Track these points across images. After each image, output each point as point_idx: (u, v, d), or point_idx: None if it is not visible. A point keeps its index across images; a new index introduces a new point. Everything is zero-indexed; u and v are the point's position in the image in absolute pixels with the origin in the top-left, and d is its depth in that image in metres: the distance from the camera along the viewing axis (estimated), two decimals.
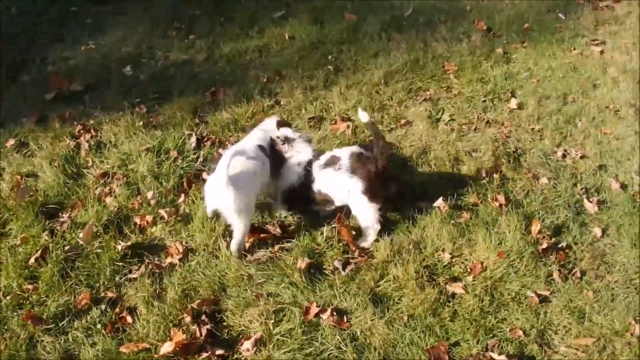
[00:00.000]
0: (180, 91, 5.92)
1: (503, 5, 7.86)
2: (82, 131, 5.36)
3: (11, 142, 5.24)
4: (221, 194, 3.85)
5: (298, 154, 4.34)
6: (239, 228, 4.03)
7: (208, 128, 5.40)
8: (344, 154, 4.21)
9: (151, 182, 4.74)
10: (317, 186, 4.26)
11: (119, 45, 6.89)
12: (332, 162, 4.20)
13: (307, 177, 4.28)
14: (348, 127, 5.32)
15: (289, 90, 5.86)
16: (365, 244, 4.25)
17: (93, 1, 8.02)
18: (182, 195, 4.64)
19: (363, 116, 4.15)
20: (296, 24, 7.09)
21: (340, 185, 4.17)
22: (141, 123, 5.39)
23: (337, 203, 4.28)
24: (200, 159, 5.00)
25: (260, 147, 4.26)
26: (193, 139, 5.18)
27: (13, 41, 6.98)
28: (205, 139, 5.23)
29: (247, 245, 4.20)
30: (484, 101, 5.81)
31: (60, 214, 4.53)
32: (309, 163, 4.28)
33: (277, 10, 7.56)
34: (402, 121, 5.48)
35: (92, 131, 5.37)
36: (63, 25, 7.48)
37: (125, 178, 4.81)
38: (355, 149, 4.28)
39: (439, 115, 5.60)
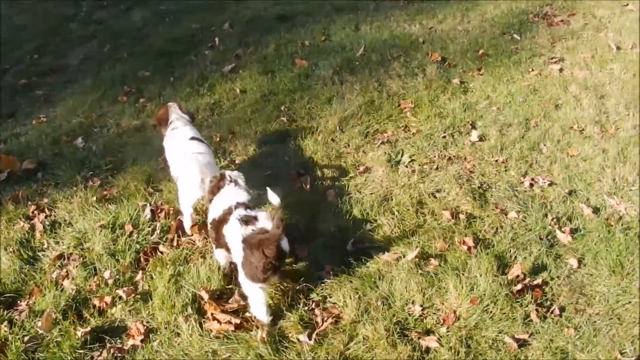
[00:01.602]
0: (134, 159, 5.73)
1: (456, 33, 7.73)
2: (36, 211, 5.14)
3: None
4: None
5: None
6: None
7: (162, 196, 5.16)
8: (261, 216, 3.95)
9: (108, 261, 4.53)
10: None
11: (70, 117, 6.72)
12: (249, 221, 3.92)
13: None
14: (305, 181, 5.14)
15: (243, 147, 5.68)
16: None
17: (42, 73, 7.83)
18: (140, 272, 4.43)
19: (274, 198, 4.07)
20: (247, 77, 6.94)
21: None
22: (94, 198, 5.16)
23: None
24: (157, 231, 4.75)
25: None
26: (147, 211, 4.94)
27: None
28: (159, 210, 4.98)
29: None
30: (444, 137, 5.63)
31: (18, 302, 4.31)
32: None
33: (227, 63, 7.44)
34: (361, 168, 5.28)
35: (47, 210, 5.15)
36: (13, 98, 7.36)
37: (81, 258, 4.60)
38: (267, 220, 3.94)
39: (399, 158, 5.40)
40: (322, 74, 6.84)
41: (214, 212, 4.18)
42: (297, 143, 5.67)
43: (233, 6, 9.49)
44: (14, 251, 4.70)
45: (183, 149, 4.72)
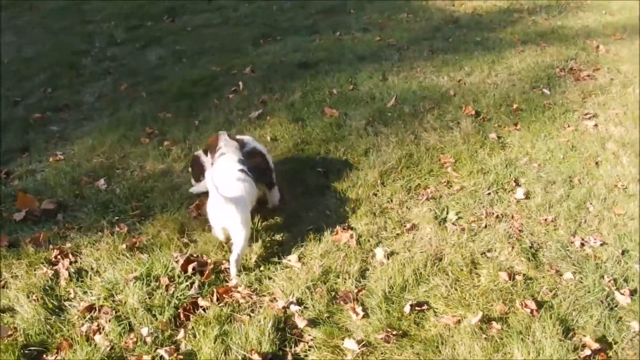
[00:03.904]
0: (162, 206, 5.42)
1: (486, 86, 7.65)
2: (59, 257, 4.81)
3: None
4: (224, 212, 4.47)
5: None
6: (239, 242, 4.50)
7: (198, 247, 4.89)
8: None
9: (144, 316, 4.19)
10: None
11: (89, 156, 6.42)
12: None
13: None
14: (351, 236, 4.91)
15: (280, 199, 5.41)
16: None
17: (57, 107, 7.62)
18: (182, 329, 4.11)
19: None
20: (276, 124, 6.76)
21: None
22: (124, 246, 4.86)
23: None
24: (195, 284, 4.47)
25: (240, 161, 4.96)
26: (182, 263, 4.65)
27: None
28: (196, 262, 4.69)
29: None
30: (489, 194, 5.47)
31: (44, 355, 3.97)
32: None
33: (253, 108, 7.26)
34: (408, 225, 5.09)
35: (71, 256, 4.82)
36: (26, 133, 7.07)
37: (114, 312, 4.26)
38: None
39: (444, 215, 5.22)
40: (354, 125, 6.68)
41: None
42: (337, 196, 5.47)
43: (251, 50, 9.40)
44: (37, 299, 4.37)
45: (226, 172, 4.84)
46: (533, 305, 4.20)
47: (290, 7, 11.67)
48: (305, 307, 4.26)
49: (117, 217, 5.33)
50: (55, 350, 3.99)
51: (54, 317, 4.24)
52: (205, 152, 5.40)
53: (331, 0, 11.99)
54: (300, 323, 4.13)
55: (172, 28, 10.97)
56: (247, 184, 4.74)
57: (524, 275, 4.53)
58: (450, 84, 7.76)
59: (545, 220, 5.13)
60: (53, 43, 10.41)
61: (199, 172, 5.43)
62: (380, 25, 10.52)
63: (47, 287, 4.50)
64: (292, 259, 4.71)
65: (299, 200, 5.42)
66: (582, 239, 4.90)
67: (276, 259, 4.72)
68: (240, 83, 7.95)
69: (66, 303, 4.38)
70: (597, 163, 5.92)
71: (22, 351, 3.95)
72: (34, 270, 4.67)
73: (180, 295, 4.37)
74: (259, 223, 5.08)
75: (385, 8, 11.48)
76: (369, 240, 4.90)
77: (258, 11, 11.65)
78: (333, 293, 4.39)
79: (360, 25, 10.50)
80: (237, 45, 9.70)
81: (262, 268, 4.63)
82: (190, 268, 4.61)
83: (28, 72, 9.02)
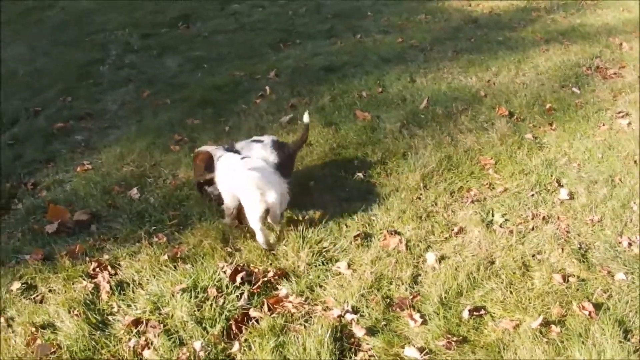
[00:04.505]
0: (200, 214, 5.31)
1: (515, 86, 7.61)
2: (97, 269, 4.68)
3: (16, 285, 4.55)
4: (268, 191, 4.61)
5: None
6: (277, 219, 4.81)
7: (242, 256, 4.80)
8: None
9: (194, 329, 4.07)
10: None
11: (119, 165, 6.31)
12: None
13: None
14: (400, 241, 4.84)
15: (322, 204, 5.35)
16: None
17: (78, 117, 7.55)
18: (236, 342, 3.99)
19: (306, 118, 5.39)
20: (310, 128, 6.66)
21: None
22: (165, 257, 4.74)
23: None
24: (245, 294, 4.36)
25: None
26: (230, 273, 4.54)
27: None
28: (242, 271, 4.60)
29: None
30: (532, 195, 5.43)
31: None
32: None
33: (283, 113, 7.20)
34: (455, 229, 5.03)
35: (110, 269, 4.70)
36: (49, 143, 6.96)
37: (162, 325, 4.12)
38: None
39: (490, 217, 5.17)
40: (388, 127, 6.62)
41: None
42: (379, 201, 5.40)
43: (271, 55, 9.32)
44: (78, 314, 4.23)
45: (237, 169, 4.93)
46: (590, 307, 4.15)
47: (305, 12, 11.59)
48: (361, 315, 4.19)
49: (154, 227, 5.22)
50: None
51: (98, 332, 4.10)
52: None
53: (346, 3, 11.89)
54: (358, 332, 4.05)
55: (187, 35, 10.90)
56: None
57: (577, 277, 4.48)
58: (479, 85, 7.72)
59: (592, 220, 5.09)
60: (65, 53, 10.32)
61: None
62: (399, 27, 10.46)
63: (88, 302, 4.36)
64: (341, 266, 4.65)
65: (342, 205, 5.35)
66: (629, 239, 4.86)
67: (325, 266, 4.66)
68: (267, 88, 7.87)
69: (110, 317, 4.25)
70: (635, 162, 5.88)
71: None
72: (73, 284, 4.54)
73: (230, 307, 4.25)
74: (305, 229, 4.99)
75: (401, 10, 11.42)
76: (418, 245, 4.84)
77: (272, 16, 11.58)
78: (388, 300, 4.33)
79: (379, 28, 10.44)
80: (255, 50, 9.63)
81: (311, 276, 4.55)
82: (238, 278, 4.50)
83: (44, 83, 8.93)
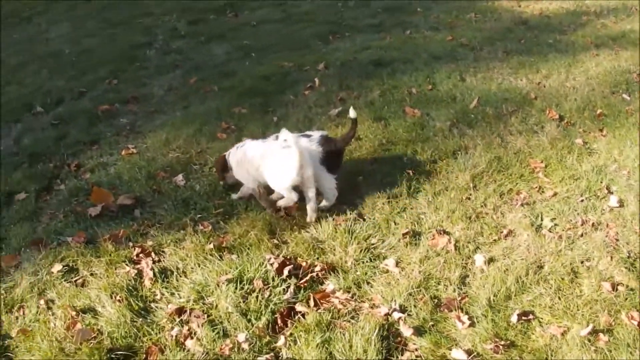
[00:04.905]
0: (246, 205, 5.35)
1: (566, 90, 7.54)
2: (141, 255, 4.71)
3: (57, 267, 4.59)
4: (302, 166, 4.87)
5: None
6: (312, 196, 5.07)
7: (289, 249, 4.82)
8: None
9: (238, 321, 4.06)
10: None
11: (164, 150, 6.39)
12: None
13: None
14: (449, 241, 4.84)
15: (371, 200, 5.36)
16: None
17: (124, 100, 7.63)
18: (281, 336, 3.99)
19: (352, 113, 5.34)
20: (359, 122, 6.65)
21: None
22: (211, 246, 4.77)
23: None
24: (291, 288, 4.37)
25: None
26: (277, 266, 4.54)
27: (40, 144, 6.60)
28: (289, 264, 4.61)
29: None
30: (582, 201, 5.38)
31: None
32: None
33: (331, 106, 7.22)
34: (504, 231, 5.01)
35: (154, 255, 4.73)
36: (94, 125, 7.08)
37: (206, 315, 4.13)
38: None
39: (540, 222, 5.13)
40: (438, 125, 6.62)
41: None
42: (429, 199, 5.40)
43: (320, 47, 9.37)
44: (121, 300, 4.25)
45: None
46: (639, 318, 4.11)
47: (354, 5, 11.59)
48: (408, 315, 4.19)
49: (199, 215, 5.25)
50: (144, 355, 3.87)
51: (140, 319, 4.12)
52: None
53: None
54: (406, 331, 4.04)
55: (235, 23, 11.00)
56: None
57: (626, 286, 4.44)
58: (529, 87, 7.67)
59: None
60: (112, 35, 10.47)
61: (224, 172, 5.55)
62: (449, 24, 10.45)
63: (130, 287, 4.39)
64: (389, 263, 4.65)
65: (391, 202, 5.35)
66: None
67: (372, 263, 4.67)
68: (316, 79, 7.91)
69: (152, 305, 4.27)
70: None
71: (108, 355, 3.83)
72: (115, 269, 4.57)
73: (276, 300, 4.25)
74: (352, 225, 5.02)
75: (451, 8, 11.41)
76: (466, 246, 4.83)
77: (320, 8, 11.60)
78: (435, 300, 4.32)
79: (429, 25, 10.44)
80: (304, 41, 9.69)
81: (358, 272, 4.56)
82: (285, 271, 4.50)
83: (90, 64, 9.08)
